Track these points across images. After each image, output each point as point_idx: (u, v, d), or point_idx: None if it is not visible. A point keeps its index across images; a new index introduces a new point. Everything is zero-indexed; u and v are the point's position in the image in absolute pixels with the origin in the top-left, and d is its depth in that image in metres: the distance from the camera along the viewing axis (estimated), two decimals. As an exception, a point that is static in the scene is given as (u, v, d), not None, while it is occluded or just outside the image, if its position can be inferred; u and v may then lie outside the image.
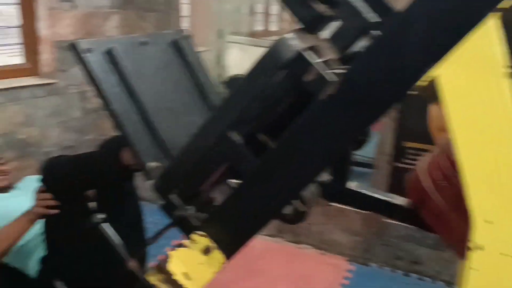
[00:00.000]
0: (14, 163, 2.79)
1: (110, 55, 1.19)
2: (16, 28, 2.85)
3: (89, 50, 1.16)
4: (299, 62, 0.89)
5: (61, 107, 3.05)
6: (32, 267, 1.79)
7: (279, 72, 0.92)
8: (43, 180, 1.59)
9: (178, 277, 1.07)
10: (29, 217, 1.65)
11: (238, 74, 1.61)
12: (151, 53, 1.31)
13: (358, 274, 2.77)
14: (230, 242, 1.09)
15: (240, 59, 3.52)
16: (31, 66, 2.95)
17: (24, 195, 1.98)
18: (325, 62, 0.91)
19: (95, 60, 1.16)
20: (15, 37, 2.85)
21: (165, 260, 1.08)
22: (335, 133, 0.91)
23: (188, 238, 1.12)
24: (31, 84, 2.85)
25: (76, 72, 3.07)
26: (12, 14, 2.82)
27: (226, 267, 1.10)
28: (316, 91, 0.88)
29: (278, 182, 0.99)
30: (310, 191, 1.11)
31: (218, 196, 1.12)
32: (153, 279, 1.10)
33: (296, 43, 0.90)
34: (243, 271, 2.53)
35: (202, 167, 1.09)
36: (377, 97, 0.86)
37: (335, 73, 0.88)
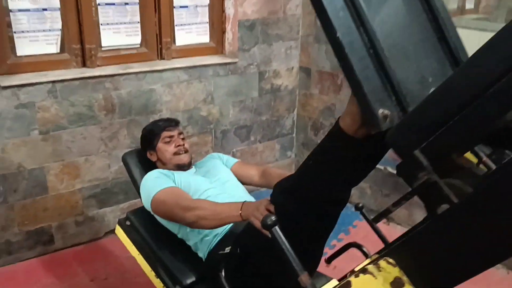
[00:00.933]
0: (194, 139, 2.92)
1: None
2: (205, 7, 2.93)
3: None
4: None
5: (240, 86, 3.08)
6: (203, 250, 1.80)
7: None
8: (273, 197, 1.39)
9: (357, 310, 0.89)
10: (242, 214, 1.49)
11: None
12: None
13: None
14: (432, 278, 0.85)
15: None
16: (216, 45, 3.02)
17: (202, 176, 2.01)
18: None
19: None
20: (204, 16, 2.94)
21: (346, 286, 0.91)
22: None
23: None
24: (214, 63, 2.92)
25: (256, 52, 3.07)
26: (202, -6, 2.91)
27: None
28: None
29: None
30: None
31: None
32: (327, 304, 0.93)
33: None
34: None
35: (474, 112, 0.77)
36: None
37: None
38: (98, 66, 2.56)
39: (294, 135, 3.49)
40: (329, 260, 2.17)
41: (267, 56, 3.14)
